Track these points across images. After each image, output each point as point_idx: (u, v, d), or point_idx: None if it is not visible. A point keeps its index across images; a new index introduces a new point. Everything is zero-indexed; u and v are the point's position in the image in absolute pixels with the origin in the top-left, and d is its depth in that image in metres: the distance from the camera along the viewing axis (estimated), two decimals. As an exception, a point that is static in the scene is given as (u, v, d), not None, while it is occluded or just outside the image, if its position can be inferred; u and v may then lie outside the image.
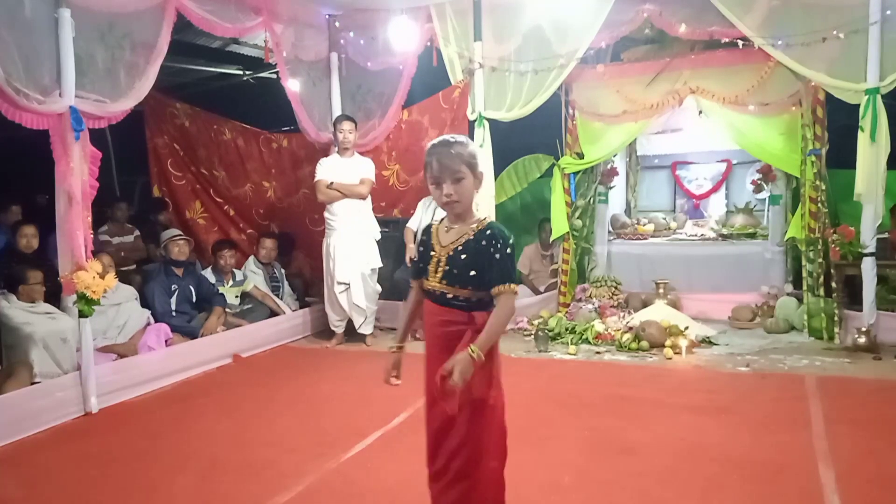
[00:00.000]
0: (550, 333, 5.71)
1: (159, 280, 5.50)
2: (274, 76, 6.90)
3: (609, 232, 7.06)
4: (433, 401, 2.23)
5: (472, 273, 2.14)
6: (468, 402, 2.14)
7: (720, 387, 4.42)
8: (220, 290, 5.94)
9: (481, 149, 6.13)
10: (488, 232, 2.15)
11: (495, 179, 6.44)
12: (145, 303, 5.31)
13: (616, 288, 6.59)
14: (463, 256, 2.15)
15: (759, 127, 5.95)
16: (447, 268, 2.17)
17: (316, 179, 5.83)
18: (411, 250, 5.97)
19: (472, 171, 2.17)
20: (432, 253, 2.22)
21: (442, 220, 2.30)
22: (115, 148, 7.90)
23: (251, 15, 5.52)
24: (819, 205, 5.50)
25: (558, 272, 6.74)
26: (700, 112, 6.47)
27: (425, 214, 6.12)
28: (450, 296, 2.18)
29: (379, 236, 6.00)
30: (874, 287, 5.14)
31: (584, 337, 5.68)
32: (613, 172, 7.01)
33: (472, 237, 2.16)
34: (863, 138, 5.02)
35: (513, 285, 2.12)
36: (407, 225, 6.15)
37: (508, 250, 2.13)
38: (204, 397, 4.61)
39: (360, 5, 6.37)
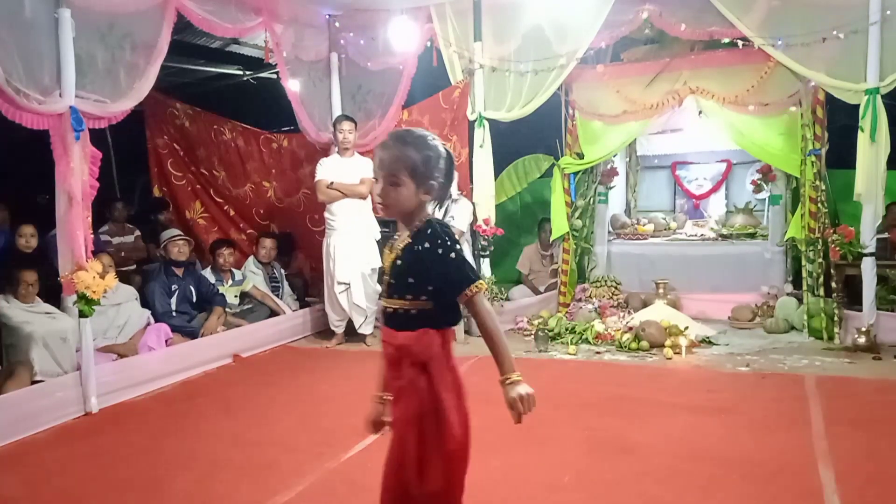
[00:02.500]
0: (550, 333, 5.72)
1: (159, 280, 5.50)
2: (274, 76, 6.90)
3: (609, 232, 7.06)
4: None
5: (411, 280, 1.89)
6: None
7: (720, 387, 4.42)
8: (220, 289, 5.94)
9: (481, 149, 6.13)
10: (429, 231, 1.88)
11: (495, 179, 6.45)
12: (145, 303, 5.31)
13: (616, 288, 6.60)
14: (399, 263, 1.92)
15: (759, 127, 5.95)
16: (391, 280, 1.94)
17: (316, 179, 5.83)
18: None
19: (416, 179, 1.87)
20: (383, 266, 2.00)
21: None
22: (115, 148, 7.89)
23: (251, 15, 5.52)
24: (819, 205, 5.50)
25: (558, 272, 6.75)
26: (700, 112, 6.48)
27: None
28: (390, 310, 1.95)
29: (379, 236, 6.00)
30: (874, 287, 5.14)
31: (584, 337, 5.68)
32: (613, 172, 7.01)
33: (410, 240, 1.91)
34: (862, 138, 5.02)
35: (481, 283, 1.88)
36: None
37: (458, 246, 1.89)
38: (204, 397, 4.61)
39: (360, 5, 6.37)
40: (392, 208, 1.91)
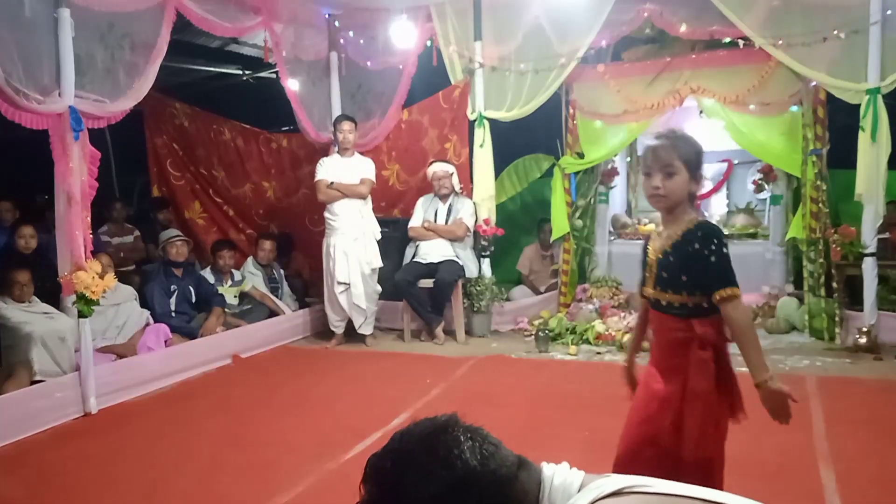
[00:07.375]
0: (551, 334, 5.70)
1: (159, 280, 5.49)
2: (274, 76, 6.89)
3: (610, 232, 7.04)
4: (645, 406, 2.23)
5: (684, 278, 2.06)
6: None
7: (721, 387, 4.40)
8: (219, 290, 5.94)
9: (482, 149, 6.15)
10: (699, 233, 2.04)
11: (495, 179, 6.44)
12: (145, 303, 5.31)
13: (617, 288, 6.57)
14: (671, 259, 2.08)
15: (760, 127, 5.94)
16: (657, 273, 2.12)
17: (316, 179, 5.83)
18: (429, 234, 6.03)
19: (689, 169, 2.07)
20: (648, 259, 2.19)
21: (657, 225, 2.23)
22: (114, 148, 7.89)
23: (251, 14, 5.52)
24: (820, 205, 5.49)
25: (559, 272, 6.74)
26: (701, 112, 6.47)
27: (427, 213, 6.12)
28: (664, 303, 2.12)
29: (379, 236, 5.99)
30: (875, 287, 5.13)
31: (584, 337, 5.67)
32: (614, 172, 6.99)
33: (679, 239, 2.07)
34: (863, 138, 5.02)
35: (735, 289, 2.02)
36: (410, 225, 6.15)
37: (724, 249, 2.02)
38: (203, 398, 4.61)
39: (360, 5, 6.37)
40: (668, 198, 2.07)
